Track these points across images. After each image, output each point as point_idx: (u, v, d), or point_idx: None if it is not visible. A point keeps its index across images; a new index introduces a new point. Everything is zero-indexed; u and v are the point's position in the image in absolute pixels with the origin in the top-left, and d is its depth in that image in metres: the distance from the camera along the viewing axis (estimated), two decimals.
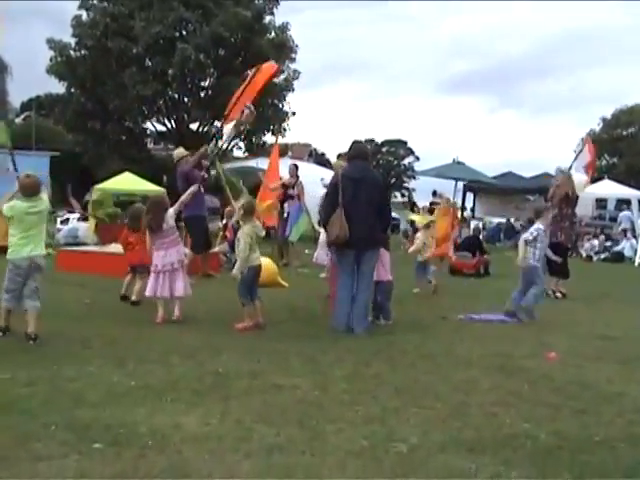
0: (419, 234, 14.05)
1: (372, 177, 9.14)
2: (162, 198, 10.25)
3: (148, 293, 9.46)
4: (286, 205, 17.86)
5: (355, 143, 9.52)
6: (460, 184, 32.43)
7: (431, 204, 26.40)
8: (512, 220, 33.13)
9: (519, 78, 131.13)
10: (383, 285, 9.33)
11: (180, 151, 15.26)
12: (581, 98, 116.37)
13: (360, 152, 9.36)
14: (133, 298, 10.71)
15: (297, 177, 18.34)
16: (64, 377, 6.23)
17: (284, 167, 18.82)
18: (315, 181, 18.25)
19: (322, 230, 14.28)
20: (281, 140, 39.49)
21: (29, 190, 8.02)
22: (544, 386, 6.49)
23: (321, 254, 14.60)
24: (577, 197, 13.79)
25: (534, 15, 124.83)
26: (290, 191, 17.81)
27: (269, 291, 12.20)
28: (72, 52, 36.70)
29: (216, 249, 16.35)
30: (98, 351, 7.34)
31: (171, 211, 9.73)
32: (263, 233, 9.21)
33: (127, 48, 35.07)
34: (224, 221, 18.50)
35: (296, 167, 18.75)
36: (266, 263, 13.49)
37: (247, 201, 9.35)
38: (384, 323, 9.18)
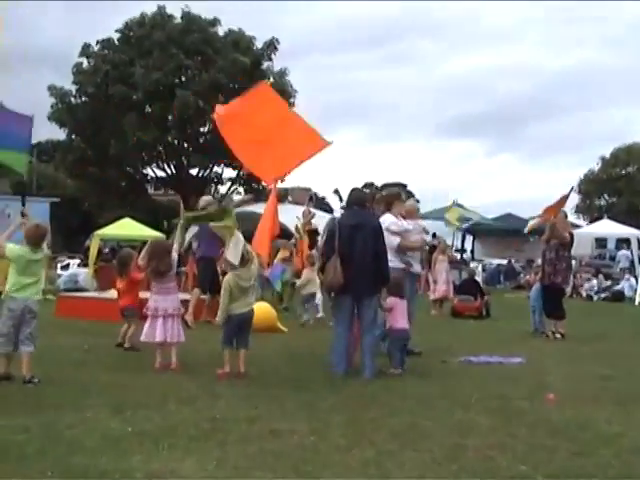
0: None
1: (369, 224, 9.18)
2: (165, 242, 10.27)
3: (158, 339, 9.31)
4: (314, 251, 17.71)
5: (353, 191, 9.65)
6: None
7: (431, 247, 26.45)
8: (513, 261, 33.19)
9: (518, 119, 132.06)
10: (394, 333, 9.30)
11: (208, 199, 15.16)
12: (580, 138, 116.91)
13: (357, 199, 9.44)
14: (125, 345, 10.75)
15: (311, 224, 18.42)
16: (61, 423, 6.23)
17: (283, 213, 18.92)
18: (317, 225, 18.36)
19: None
20: (280, 184, 39.69)
21: (35, 240, 8.13)
22: (542, 428, 6.48)
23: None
24: (572, 238, 13.83)
25: (534, 58, 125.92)
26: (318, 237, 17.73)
27: (268, 336, 12.22)
28: (73, 99, 37.07)
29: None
30: (95, 397, 7.32)
31: (174, 255, 9.77)
32: (250, 283, 8.95)
33: (127, 95, 35.45)
34: None
35: (310, 212, 18.83)
36: (265, 308, 13.56)
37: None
38: (391, 372, 9.12)
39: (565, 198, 14.32)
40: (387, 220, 10.16)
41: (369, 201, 9.83)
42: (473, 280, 19.90)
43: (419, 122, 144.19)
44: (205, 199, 15.24)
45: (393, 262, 9.92)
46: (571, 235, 13.70)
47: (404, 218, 10.57)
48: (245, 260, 8.89)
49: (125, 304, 11.23)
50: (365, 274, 8.90)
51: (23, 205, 8.97)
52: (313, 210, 35.72)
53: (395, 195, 10.88)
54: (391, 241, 10.02)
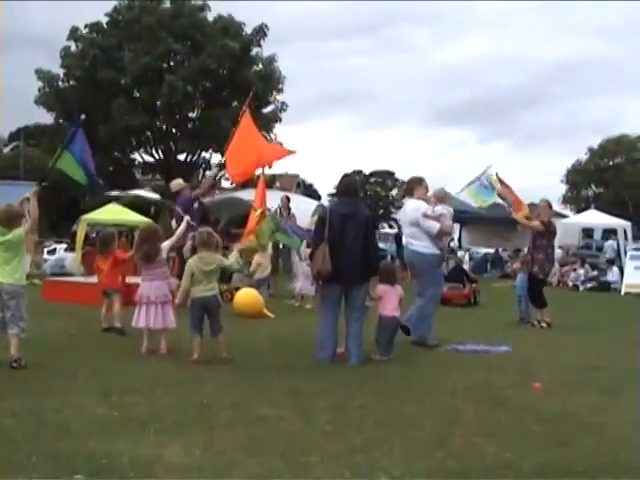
0: (256, 256, 15.61)
1: (360, 213, 9.16)
2: (156, 228, 10.19)
3: (142, 325, 9.38)
4: None
5: (345, 177, 9.61)
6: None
7: None
8: (500, 250, 33.23)
9: (508, 109, 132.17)
10: (383, 321, 9.31)
11: (179, 182, 15.20)
12: (570, 128, 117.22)
13: (349, 188, 9.41)
14: (117, 325, 10.72)
15: (289, 209, 18.45)
16: (48, 408, 6.22)
17: (271, 199, 18.92)
18: (305, 213, 18.36)
19: (305, 261, 14.49)
20: (268, 171, 39.61)
21: (4, 221, 8.10)
22: (528, 416, 6.51)
23: (305, 284, 14.70)
24: (554, 228, 13.81)
25: (526, 46, 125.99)
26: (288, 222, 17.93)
27: (255, 322, 12.23)
28: (60, 83, 36.82)
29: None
30: (82, 382, 7.32)
31: (166, 244, 9.76)
32: (212, 267, 8.84)
33: (115, 79, 35.20)
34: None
35: (288, 199, 18.85)
36: (252, 294, 13.57)
37: (200, 232, 9.23)
38: (378, 358, 9.14)
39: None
40: (421, 206, 10.49)
41: (359, 189, 9.80)
42: (460, 268, 19.99)
43: (411, 110, 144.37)
44: (176, 183, 15.26)
45: (430, 248, 10.41)
46: (549, 224, 13.54)
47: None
48: (206, 243, 8.90)
49: (107, 284, 11.20)
50: (355, 263, 8.91)
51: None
52: (300, 197, 35.81)
53: (416, 180, 11.02)
54: (431, 226, 10.41)
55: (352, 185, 9.58)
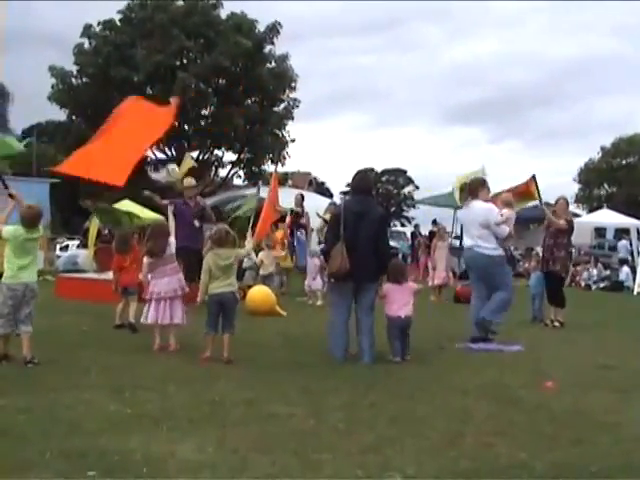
0: (260, 254, 15.97)
1: (373, 211, 9.15)
2: (164, 224, 10.30)
3: (150, 320, 9.39)
4: (298, 233, 17.95)
5: (358, 174, 9.52)
6: (459, 212, 32.46)
7: (430, 233, 26.49)
8: (512, 249, 33.17)
9: (520, 107, 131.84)
10: (388, 320, 9.27)
11: (190, 181, 15.16)
12: (583, 127, 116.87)
13: (362, 185, 9.38)
14: (132, 320, 10.72)
15: (303, 207, 18.47)
16: (61, 404, 6.24)
17: (284, 196, 18.92)
18: (317, 211, 18.40)
19: (314, 257, 14.54)
20: (280, 169, 39.66)
21: (30, 222, 8.12)
22: (541, 416, 6.48)
23: (317, 280, 14.77)
24: (573, 226, 13.78)
25: (538, 44, 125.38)
26: (302, 220, 17.96)
27: (267, 320, 12.24)
28: (74, 80, 36.92)
29: None
30: (95, 379, 7.34)
31: (173, 239, 9.83)
32: (229, 261, 8.80)
33: (128, 76, 35.31)
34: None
35: (302, 197, 18.86)
36: (264, 292, 13.58)
37: (217, 230, 9.21)
38: (391, 359, 9.11)
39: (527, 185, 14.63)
40: (494, 209, 10.76)
41: (373, 187, 9.77)
42: None
43: (422, 108, 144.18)
44: (187, 181, 15.15)
45: (497, 250, 10.61)
46: (571, 222, 13.60)
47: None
48: (223, 240, 8.84)
49: (127, 282, 11.20)
50: (367, 262, 8.90)
51: (5, 187, 8.85)
52: (312, 194, 35.79)
53: (479, 182, 11.17)
54: (503, 229, 10.66)
55: (365, 182, 9.54)
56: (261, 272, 15.96)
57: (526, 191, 14.82)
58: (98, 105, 35.67)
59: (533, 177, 14.84)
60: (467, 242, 10.95)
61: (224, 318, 8.79)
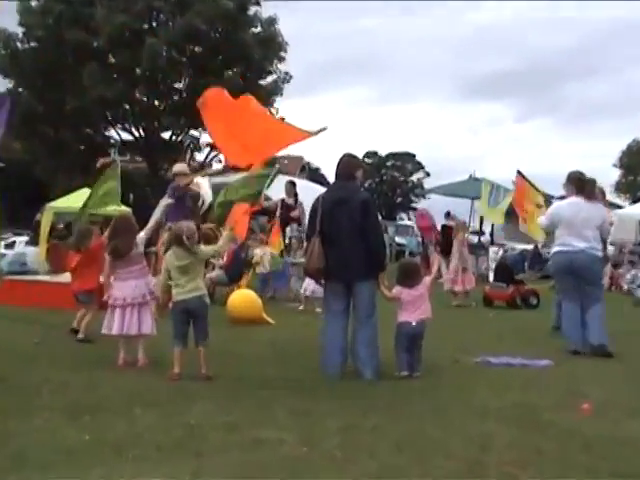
0: (257, 250, 16.76)
1: (355, 197, 9.15)
2: (130, 219, 10.21)
3: (114, 331, 9.39)
4: (288, 229, 17.96)
5: (344, 157, 9.58)
6: (477, 204, 32.44)
7: (443, 227, 26.46)
8: (539, 246, 33.17)
9: (554, 79, 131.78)
10: (397, 328, 9.27)
11: (182, 166, 15.18)
12: (626, 103, 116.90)
13: (343, 170, 9.42)
14: (79, 335, 10.78)
15: (296, 196, 18.42)
16: (4, 431, 6.22)
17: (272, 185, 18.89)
18: (311, 200, 18.42)
19: None
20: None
21: None
22: (573, 443, 6.47)
23: (313, 284, 14.81)
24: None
25: (577, 3, 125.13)
26: (293, 213, 17.91)
27: (252, 329, 12.25)
28: (19, 44, 36.63)
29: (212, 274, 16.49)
30: (47, 400, 7.32)
31: (142, 235, 9.84)
32: (186, 261, 8.72)
33: (86, 41, 35.07)
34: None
35: (293, 184, 18.81)
36: (248, 296, 13.60)
37: (176, 226, 9.18)
38: (397, 374, 9.11)
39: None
40: (602, 210, 11.59)
41: (357, 171, 9.65)
42: (506, 266, 20.27)
43: (436, 81, 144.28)
44: (180, 167, 15.23)
45: (601, 252, 11.36)
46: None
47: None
48: (180, 242, 8.76)
49: (81, 287, 11.22)
50: (354, 256, 8.95)
51: None
52: (305, 182, 35.72)
53: (593, 181, 11.83)
54: (609, 230, 11.56)
55: (348, 166, 9.50)
56: (257, 271, 16.52)
57: (522, 193, 15.14)
58: (49, 75, 35.33)
59: (518, 172, 15.22)
60: (578, 244, 11.29)
61: (195, 328, 8.77)
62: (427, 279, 9.55)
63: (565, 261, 11.47)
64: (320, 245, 8.92)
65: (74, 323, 11.02)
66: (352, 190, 9.30)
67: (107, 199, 13.58)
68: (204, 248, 9.32)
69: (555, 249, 11.62)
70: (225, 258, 16.44)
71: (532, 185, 15.25)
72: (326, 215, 9.02)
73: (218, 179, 33.81)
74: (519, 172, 15.01)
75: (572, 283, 11.36)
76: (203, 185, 15.10)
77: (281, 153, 51.95)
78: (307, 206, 18.56)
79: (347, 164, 9.55)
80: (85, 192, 24.77)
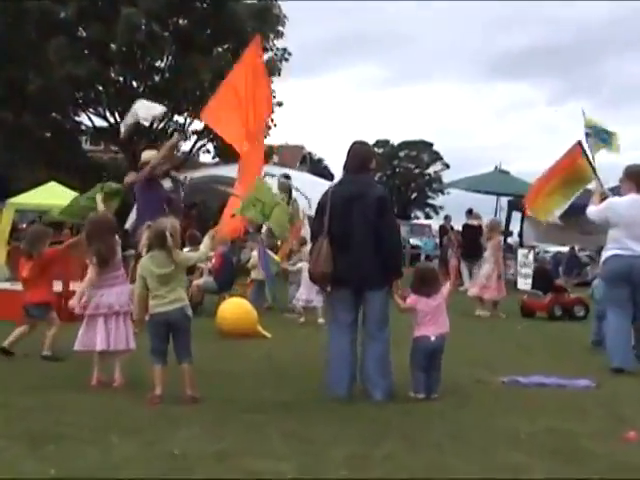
0: (254, 252, 17.08)
1: (369, 192, 9.11)
2: (109, 218, 10.06)
3: (98, 346, 9.34)
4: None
5: (355, 145, 9.55)
6: (504, 200, 32.47)
7: (465, 227, 26.48)
8: (576, 249, 33.18)
9: (594, 55, 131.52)
10: (413, 342, 9.25)
11: (150, 154, 15.18)
12: None
13: (355, 161, 9.39)
14: (45, 353, 10.82)
15: (290, 193, 18.39)
16: None
17: (266, 177, 18.88)
18: (313, 195, 18.44)
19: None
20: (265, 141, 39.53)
21: None
22: (619, 477, 6.46)
23: (312, 293, 14.86)
24: None
25: None
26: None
27: (245, 344, 12.24)
28: None
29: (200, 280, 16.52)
30: (6, 426, 7.31)
31: (116, 238, 9.80)
32: (167, 270, 8.63)
33: (51, 10, 34.93)
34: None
35: (287, 178, 18.76)
36: (241, 306, 13.59)
37: (154, 224, 9.04)
38: (412, 395, 9.11)
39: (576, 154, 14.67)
40: None
41: (372, 161, 9.66)
42: (544, 271, 20.26)
43: (457, 57, 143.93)
44: (148, 154, 15.15)
45: None
46: None
47: None
48: (161, 243, 8.69)
49: (31, 299, 11.19)
50: (366, 260, 8.94)
51: None
52: (306, 176, 35.73)
53: None
54: None
55: (361, 157, 9.47)
56: (253, 276, 16.73)
57: (572, 166, 14.74)
58: (9, 50, 35.07)
59: (579, 143, 14.75)
60: (638, 248, 11.31)
61: (176, 344, 8.72)
62: (445, 288, 9.51)
63: (623, 267, 11.36)
64: (328, 246, 8.90)
65: (6, 341, 10.96)
66: (366, 184, 9.27)
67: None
68: (185, 255, 9.25)
69: (611, 252, 11.44)
70: (214, 261, 16.43)
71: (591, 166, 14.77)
72: (336, 213, 8.99)
73: (207, 172, 33.91)
74: (580, 144, 14.53)
75: (627, 292, 11.31)
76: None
77: (278, 142, 52.19)
78: (313, 201, 18.63)
79: (359, 154, 9.50)
80: (52, 187, 24.88)
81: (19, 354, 10.88)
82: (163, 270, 8.66)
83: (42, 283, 11.20)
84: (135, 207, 15.01)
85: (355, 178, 9.27)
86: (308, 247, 15.65)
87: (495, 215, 29.25)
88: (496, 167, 33.13)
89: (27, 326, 11.13)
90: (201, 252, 9.61)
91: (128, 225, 16.21)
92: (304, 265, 15.15)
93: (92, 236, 9.56)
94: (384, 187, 9.88)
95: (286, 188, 18.55)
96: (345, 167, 9.53)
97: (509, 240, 33.80)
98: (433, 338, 9.09)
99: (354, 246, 8.90)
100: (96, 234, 9.54)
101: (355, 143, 9.58)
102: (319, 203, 9.39)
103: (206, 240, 9.62)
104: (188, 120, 40.44)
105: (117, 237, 9.80)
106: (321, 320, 14.92)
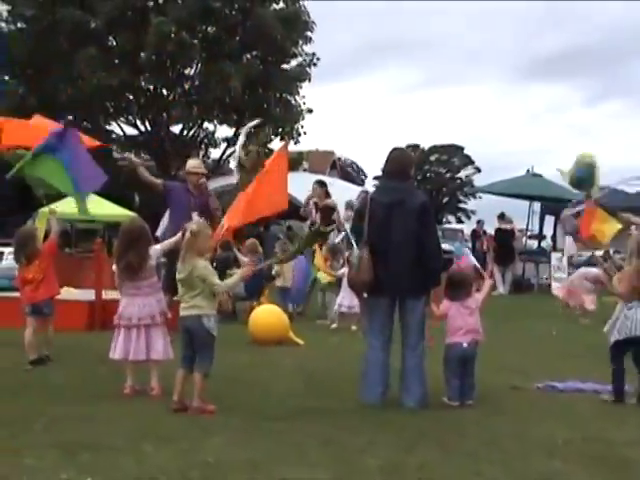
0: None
1: (411, 200, 9.10)
2: (142, 226, 9.75)
3: (117, 355, 9.39)
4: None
5: (393, 151, 9.53)
6: (537, 205, 32.28)
7: (497, 231, 26.39)
8: (611, 252, 32.91)
9: (631, 55, 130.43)
10: (446, 350, 9.21)
11: (196, 162, 15.25)
12: None
13: (398, 167, 9.36)
14: (44, 352, 11.02)
15: (328, 196, 18.30)
16: None
17: (296, 184, 18.84)
18: (344, 201, 18.41)
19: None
20: (293, 147, 39.44)
21: None
22: None
23: (347, 299, 14.83)
24: None
25: None
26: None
27: (277, 351, 12.22)
28: (4, 24, 36.69)
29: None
30: (39, 435, 7.32)
31: (157, 247, 9.74)
32: (183, 274, 8.50)
33: (82, 21, 35.07)
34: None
35: (322, 185, 18.64)
36: (272, 312, 13.57)
37: (191, 224, 8.96)
38: (446, 402, 9.10)
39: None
40: None
41: (411, 168, 9.67)
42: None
43: (491, 59, 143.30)
44: (193, 163, 15.27)
45: None
46: None
47: None
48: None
49: (45, 296, 11.20)
50: (406, 268, 8.92)
51: None
52: (335, 180, 35.66)
53: None
54: None
55: (401, 163, 9.46)
56: (277, 284, 16.66)
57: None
58: (41, 60, 35.20)
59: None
60: None
61: (195, 352, 8.59)
62: (479, 294, 9.47)
63: None
64: (369, 254, 8.87)
65: (30, 353, 10.97)
66: (408, 192, 9.28)
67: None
68: (204, 271, 8.60)
69: None
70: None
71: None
72: (375, 220, 8.97)
73: (224, 182, 33.89)
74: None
75: None
76: None
77: (307, 147, 52.09)
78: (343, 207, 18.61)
79: (401, 160, 9.49)
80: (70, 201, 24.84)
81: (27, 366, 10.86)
82: (180, 274, 8.60)
83: (49, 279, 11.22)
84: (167, 213, 15.07)
85: (396, 185, 9.25)
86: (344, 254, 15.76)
87: (528, 219, 29.08)
88: (528, 170, 32.91)
89: (31, 328, 11.12)
90: (226, 284, 9.39)
91: (159, 232, 16.17)
92: (345, 271, 15.15)
93: (125, 245, 9.38)
94: (425, 194, 9.85)
95: (322, 195, 18.38)
96: (384, 173, 9.54)
97: (543, 244, 33.63)
98: (466, 345, 9.07)
99: (394, 254, 8.88)
100: (129, 243, 9.36)
101: (395, 149, 9.58)
102: (357, 210, 9.39)
103: (236, 277, 9.45)
104: (217, 127, 40.48)
105: (157, 248, 9.73)
106: (354, 327, 14.89)
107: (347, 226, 16.92)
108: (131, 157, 15.06)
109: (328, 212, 17.88)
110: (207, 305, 8.61)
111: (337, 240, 17.16)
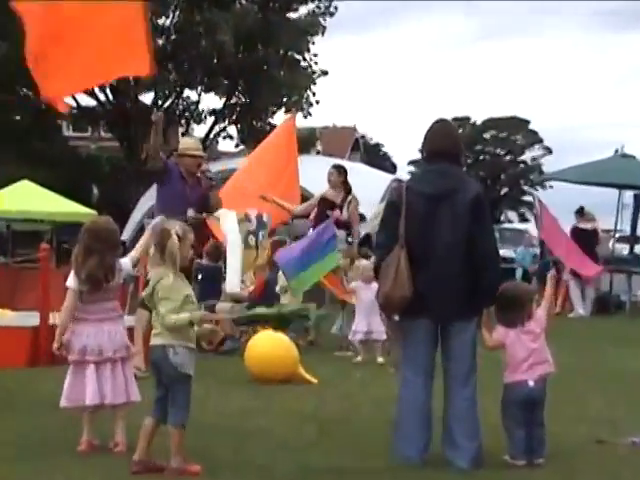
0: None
1: (462, 191, 8.94)
2: (108, 226, 9.65)
3: (89, 400, 9.20)
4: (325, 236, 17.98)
5: (436, 124, 9.37)
6: (629, 196, 32.22)
7: (574, 231, 26.39)
8: None
9: None
10: (506, 391, 9.16)
11: (190, 141, 15.39)
12: None
13: (443, 144, 9.17)
14: None
15: (347, 188, 18.27)
16: None
17: (307, 170, 18.90)
18: (369, 197, 18.46)
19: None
20: (302, 122, 39.32)
21: None
22: None
23: (370, 322, 14.90)
24: None
25: None
26: (335, 213, 17.73)
27: (285, 391, 12.24)
28: None
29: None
30: None
31: (133, 254, 9.70)
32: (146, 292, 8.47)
33: None
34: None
35: (341, 171, 18.71)
36: (279, 342, 13.59)
37: (156, 224, 9.14)
38: (508, 460, 9.04)
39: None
40: None
41: (460, 147, 9.56)
42: None
43: (560, 5, 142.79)
44: (189, 143, 15.27)
45: None
46: None
47: None
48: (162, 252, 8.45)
49: None
50: (454, 283, 8.82)
51: None
52: (357, 166, 35.75)
53: None
54: None
55: (448, 139, 9.30)
56: (282, 301, 16.93)
57: None
58: None
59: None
60: None
61: (169, 393, 8.43)
62: (540, 311, 9.34)
63: None
64: (407, 263, 8.67)
65: None
66: (457, 179, 9.10)
67: None
68: (166, 297, 8.35)
69: None
70: (255, 288, 16.60)
71: None
72: (413, 216, 8.79)
73: (227, 163, 34.03)
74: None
75: None
76: (227, 218, 15.07)
77: (321, 123, 51.97)
78: (367, 203, 18.65)
79: (447, 136, 9.33)
80: (24, 186, 25.01)
81: None
82: (145, 291, 8.61)
83: None
84: (131, 216, 15.13)
85: (441, 170, 9.07)
86: (362, 262, 15.76)
87: (617, 215, 29.04)
88: (617, 150, 32.86)
89: None
90: (179, 319, 8.42)
91: (126, 236, 16.28)
92: (359, 285, 15.13)
93: (87, 250, 9.23)
94: (478, 183, 9.77)
95: (338, 183, 18.44)
96: (424, 155, 9.45)
97: (637, 248, 33.60)
98: (532, 383, 8.96)
99: (438, 262, 8.76)
100: (93, 248, 9.22)
101: (438, 121, 9.39)
102: (389, 203, 9.31)
103: (196, 315, 8.66)
104: (202, 94, 40.45)
105: (126, 260, 9.63)
106: (380, 359, 14.89)
107: (375, 222, 16.99)
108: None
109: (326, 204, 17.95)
110: (173, 333, 8.35)
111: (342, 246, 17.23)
